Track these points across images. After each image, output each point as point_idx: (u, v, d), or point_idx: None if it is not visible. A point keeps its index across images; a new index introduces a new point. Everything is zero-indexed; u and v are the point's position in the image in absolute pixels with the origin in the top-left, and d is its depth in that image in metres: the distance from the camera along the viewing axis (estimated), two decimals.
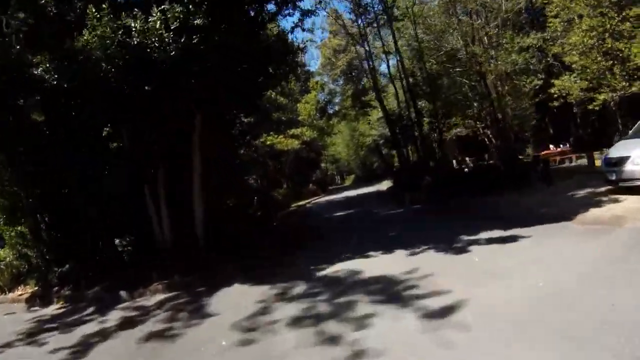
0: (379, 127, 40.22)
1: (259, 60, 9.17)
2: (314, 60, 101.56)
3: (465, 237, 8.38)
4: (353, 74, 55.15)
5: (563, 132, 31.21)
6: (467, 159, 36.85)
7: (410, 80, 21.50)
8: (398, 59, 21.05)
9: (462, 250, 7.52)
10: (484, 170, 19.91)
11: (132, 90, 7.87)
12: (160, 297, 8.17)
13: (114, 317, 7.31)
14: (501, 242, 7.62)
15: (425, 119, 23.06)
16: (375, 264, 7.53)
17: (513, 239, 7.66)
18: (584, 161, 21.35)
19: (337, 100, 54.19)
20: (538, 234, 7.73)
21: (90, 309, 8.20)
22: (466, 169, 22.26)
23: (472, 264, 6.51)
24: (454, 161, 35.48)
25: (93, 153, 9.21)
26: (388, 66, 22.20)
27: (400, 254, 8.13)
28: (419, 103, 24.36)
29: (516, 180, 15.20)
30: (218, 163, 11.72)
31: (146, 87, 7.83)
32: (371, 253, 8.52)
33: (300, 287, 6.84)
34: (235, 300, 6.86)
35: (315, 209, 23.09)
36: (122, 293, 8.62)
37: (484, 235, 8.35)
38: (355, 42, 24.32)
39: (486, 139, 30.20)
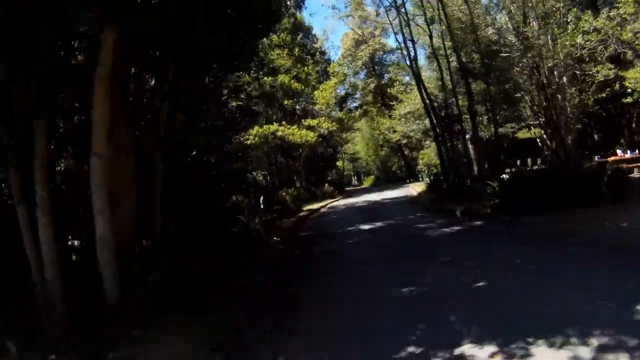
0: (406, 124, 35.24)
1: None
2: (333, 50, 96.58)
3: None
4: (376, 68, 50.31)
5: (610, 138, 26.33)
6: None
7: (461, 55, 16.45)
8: (445, 25, 16.02)
9: None
10: (547, 178, 14.95)
11: None
12: None
13: None
14: None
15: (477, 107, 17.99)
16: None
17: None
18: None
19: (357, 95, 49.25)
20: None
21: None
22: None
23: None
24: (476, 168, 30.40)
25: None
26: (430, 36, 17.14)
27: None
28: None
29: (594, 192, 10.65)
30: (173, 136, 6.91)
31: None
32: (470, 349, 3.68)
33: None
34: None
35: (332, 216, 18.13)
36: None
37: None
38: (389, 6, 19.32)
39: (538, 141, 25.12)
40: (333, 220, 16.40)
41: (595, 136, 28.76)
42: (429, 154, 49.11)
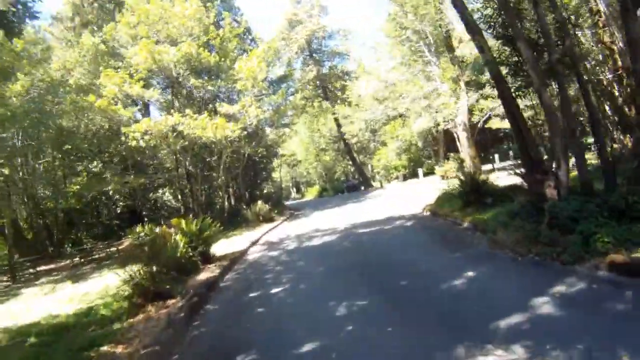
0: (368, 110, 25.25)
1: None
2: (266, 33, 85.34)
3: None
4: (314, 55, 40.34)
5: None
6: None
7: None
8: None
9: None
10: None
11: None
12: None
13: None
14: None
15: None
16: None
17: None
18: None
19: (292, 87, 38.73)
20: None
21: None
22: None
23: None
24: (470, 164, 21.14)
25: None
26: None
27: None
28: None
29: None
30: None
31: None
32: None
33: None
34: None
35: (274, 297, 6.81)
36: None
37: None
38: None
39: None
40: (278, 333, 5.53)
41: None
42: (386, 154, 39.78)
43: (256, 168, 28.61)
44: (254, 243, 12.50)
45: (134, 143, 18.08)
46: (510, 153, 29.45)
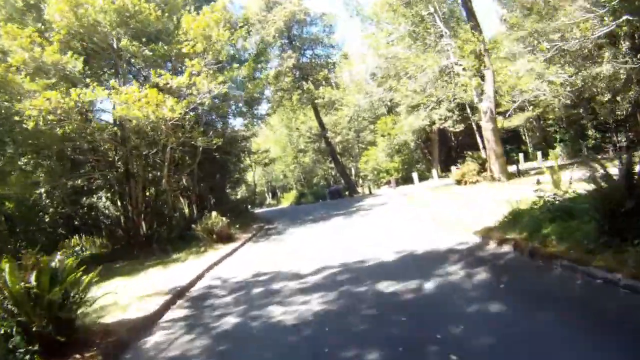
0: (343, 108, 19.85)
1: None
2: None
3: None
4: (294, 42, 34.84)
5: None
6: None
7: None
8: None
9: None
10: None
11: None
12: None
13: None
14: None
15: None
16: None
17: None
18: None
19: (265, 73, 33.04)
20: None
21: None
22: None
23: None
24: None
25: None
26: None
27: None
28: None
29: None
30: None
31: None
32: None
33: None
34: None
35: None
36: None
37: None
38: None
39: None
40: None
41: None
42: (375, 155, 34.39)
43: (222, 168, 22.91)
44: (178, 296, 6.81)
45: (31, 125, 12.29)
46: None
